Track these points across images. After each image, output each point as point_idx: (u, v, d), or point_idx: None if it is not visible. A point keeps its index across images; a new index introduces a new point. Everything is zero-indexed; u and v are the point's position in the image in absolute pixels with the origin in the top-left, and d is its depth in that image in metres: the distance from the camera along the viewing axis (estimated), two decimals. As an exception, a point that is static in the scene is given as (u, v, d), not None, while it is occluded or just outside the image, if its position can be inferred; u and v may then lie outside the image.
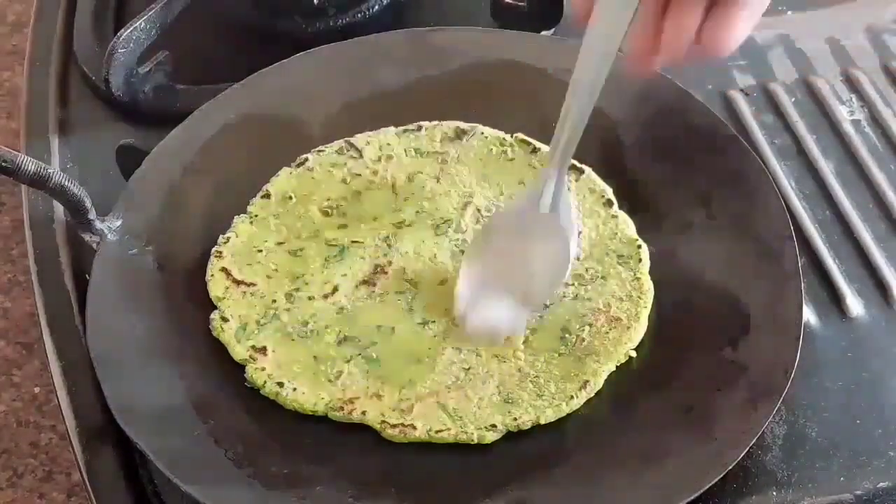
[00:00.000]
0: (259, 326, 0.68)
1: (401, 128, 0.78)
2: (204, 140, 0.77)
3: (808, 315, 0.70)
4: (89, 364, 0.65)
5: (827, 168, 0.79)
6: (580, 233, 0.72)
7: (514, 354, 0.67)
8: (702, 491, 0.60)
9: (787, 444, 0.65)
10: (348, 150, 0.77)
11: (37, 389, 0.89)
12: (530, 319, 0.68)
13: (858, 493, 0.63)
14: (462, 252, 0.71)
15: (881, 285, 0.72)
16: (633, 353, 0.67)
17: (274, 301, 0.70)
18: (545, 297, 0.69)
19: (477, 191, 0.75)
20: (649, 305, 0.69)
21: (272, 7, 0.89)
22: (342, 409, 0.65)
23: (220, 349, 0.68)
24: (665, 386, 0.65)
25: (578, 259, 0.70)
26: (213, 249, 0.72)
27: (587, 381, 0.65)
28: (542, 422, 0.64)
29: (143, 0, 0.83)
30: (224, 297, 0.70)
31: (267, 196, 0.75)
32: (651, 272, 0.70)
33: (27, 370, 0.91)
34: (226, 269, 0.71)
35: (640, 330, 0.68)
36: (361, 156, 0.76)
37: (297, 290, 0.70)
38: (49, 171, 0.66)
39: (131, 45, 0.81)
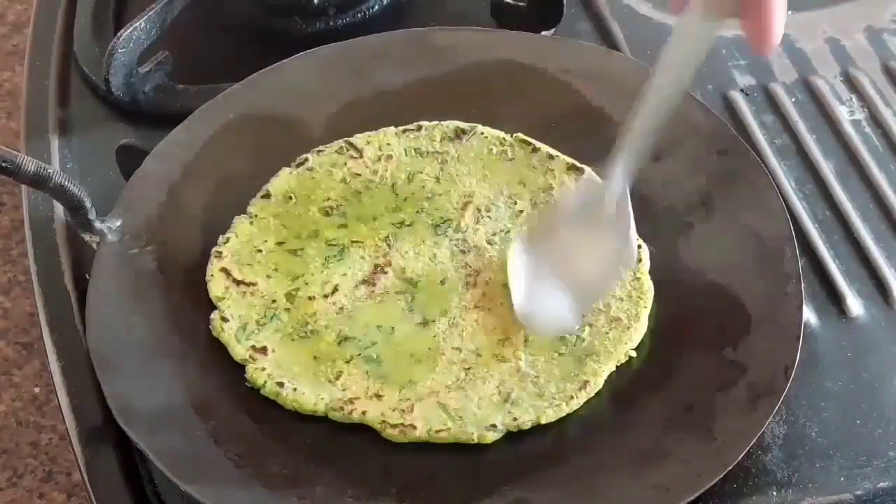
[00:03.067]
0: (259, 326, 0.68)
1: (401, 128, 0.78)
2: (204, 140, 0.77)
3: (808, 315, 0.70)
4: (89, 364, 0.65)
5: (827, 168, 0.79)
6: (640, 246, 0.70)
7: (514, 354, 0.67)
8: (702, 491, 0.60)
9: (787, 444, 0.65)
10: (348, 150, 0.77)
11: (37, 389, 0.89)
12: (586, 315, 0.67)
13: (858, 493, 0.63)
14: (462, 252, 0.71)
15: (881, 285, 0.72)
16: (633, 353, 0.67)
17: (274, 301, 0.70)
18: (600, 295, 0.68)
19: (477, 191, 0.75)
20: (649, 305, 0.69)
21: (272, 7, 0.89)
22: (342, 409, 0.65)
23: (220, 349, 0.68)
24: (665, 386, 0.65)
25: (635, 267, 0.69)
26: (213, 249, 0.72)
27: (587, 381, 0.65)
28: (543, 422, 0.64)
29: (143, 0, 0.83)
30: (224, 297, 0.70)
31: (267, 196, 0.75)
32: (651, 272, 0.70)
33: (27, 370, 0.91)
34: (226, 269, 0.71)
35: (640, 330, 0.68)
36: (361, 156, 0.76)
37: (297, 289, 0.70)
38: (49, 171, 0.66)
39: (131, 45, 0.81)
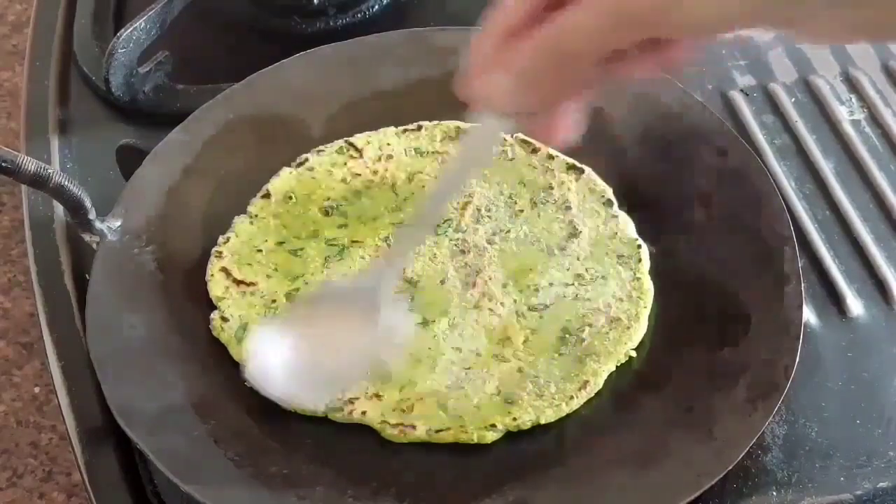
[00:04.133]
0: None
1: (401, 127, 0.78)
2: (204, 140, 0.77)
3: (808, 315, 0.70)
4: (89, 364, 0.65)
5: (827, 168, 0.79)
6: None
7: (514, 354, 0.67)
8: (702, 491, 0.60)
9: (787, 444, 0.65)
10: (348, 150, 0.77)
11: (37, 389, 0.89)
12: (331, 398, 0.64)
13: (858, 493, 0.63)
14: (462, 252, 0.71)
15: (881, 285, 0.72)
16: (633, 353, 0.67)
17: (274, 301, 0.70)
18: (347, 382, 0.65)
19: (477, 191, 0.75)
20: (649, 305, 0.69)
21: (272, 7, 0.89)
22: (342, 409, 0.65)
23: (220, 349, 0.68)
24: (665, 386, 0.65)
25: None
26: (213, 249, 0.72)
27: (587, 382, 0.65)
28: (542, 422, 0.64)
29: (143, 0, 0.83)
30: (224, 297, 0.70)
31: (267, 196, 0.75)
32: (651, 272, 0.70)
33: (27, 370, 0.91)
34: (226, 269, 0.71)
35: (640, 330, 0.68)
36: (361, 155, 0.76)
37: (297, 289, 0.70)
38: (49, 171, 0.66)
39: (131, 45, 0.81)
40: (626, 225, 0.72)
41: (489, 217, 0.73)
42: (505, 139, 0.77)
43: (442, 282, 0.70)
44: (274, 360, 0.64)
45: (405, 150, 0.77)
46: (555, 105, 0.53)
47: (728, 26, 0.47)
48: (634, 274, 0.70)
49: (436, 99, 0.78)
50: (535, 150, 0.76)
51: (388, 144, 0.77)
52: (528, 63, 0.50)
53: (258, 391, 0.64)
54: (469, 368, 0.66)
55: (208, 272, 0.71)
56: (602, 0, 0.47)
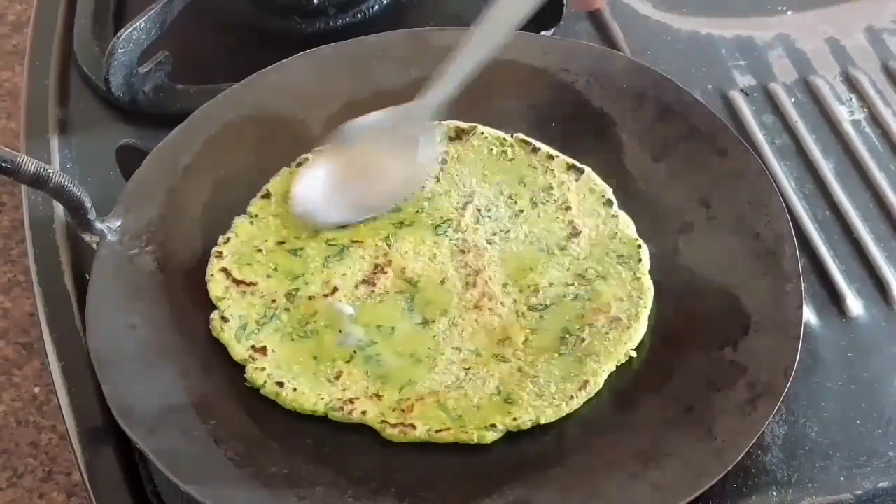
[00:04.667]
0: (259, 326, 0.68)
1: (401, 128, 0.78)
2: (204, 140, 0.77)
3: (808, 315, 0.70)
4: (89, 364, 0.65)
5: (827, 168, 0.79)
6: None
7: (514, 354, 0.67)
8: (702, 491, 0.60)
9: (787, 444, 0.65)
10: (348, 150, 0.77)
11: (37, 389, 0.89)
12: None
13: (858, 493, 0.63)
14: (462, 252, 0.71)
15: (881, 285, 0.72)
16: (634, 353, 0.67)
17: (274, 301, 0.70)
18: (385, 204, 0.72)
19: (477, 190, 0.75)
20: (649, 305, 0.68)
21: (272, 7, 0.89)
22: (342, 409, 0.65)
23: (220, 349, 0.68)
24: (665, 386, 0.65)
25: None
26: (213, 250, 0.72)
27: (587, 381, 0.65)
28: (542, 422, 0.64)
29: (143, 0, 0.83)
30: (224, 297, 0.70)
31: (267, 196, 0.75)
32: (651, 272, 0.70)
33: (27, 370, 0.91)
34: (226, 269, 0.71)
35: (640, 330, 0.68)
36: (361, 156, 0.76)
37: (297, 289, 0.70)
38: (49, 171, 0.66)
39: (131, 45, 0.81)
40: (626, 225, 0.72)
41: (489, 217, 0.73)
42: (505, 139, 0.77)
43: (442, 282, 0.70)
44: (316, 185, 0.72)
45: (405, 150, 0.77)
46: None
47: None
48: (634, 274, 0.70)
49: (436, 99, 0.78)
50: (534, 150, 0.76)
51: (388, 144, 0.77)
52: None
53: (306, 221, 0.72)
54: (469, 368, 0.66)
55: (208, 272, 0.71)
56: None
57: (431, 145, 0.73)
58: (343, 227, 0.73)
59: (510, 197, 0.74)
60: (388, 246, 0.72)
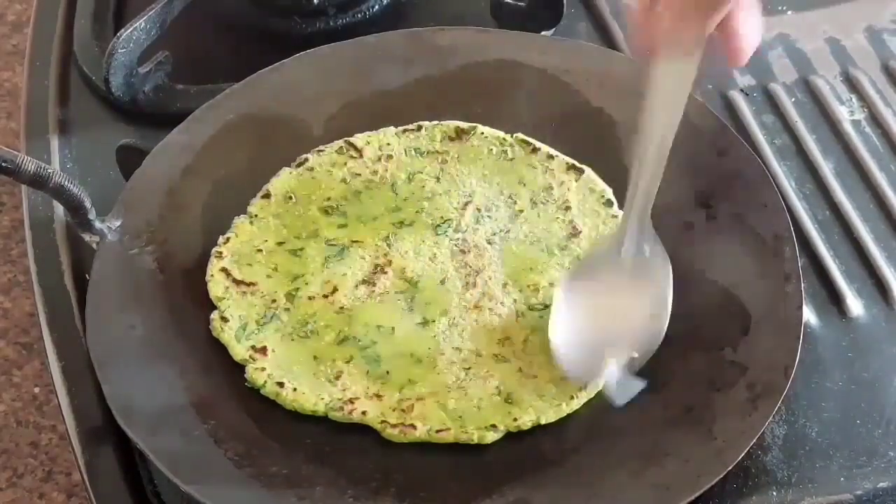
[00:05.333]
0: (259, 326, 0.68)
1: (401, 127, 0.78)
2: (204, 140, 0.77)
3: (808, 315, 0.70)
4: (89, 364, 0.65)
5: (827, 168, 0.79)
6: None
7: (514, 354, 0.67)
8: (702, 491, 0.60)
9: (787, 444, 0.65)
10: (348, 150, 0.77)
11: (37, 389, 0.89)
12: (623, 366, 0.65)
13: (858, 493, 0.63)
14: (462, 252, 0.71)
15: (881, 285, 0.72)
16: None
17: (274, 301, 0.70)
18: (650, 343, 0.65)
19: (477, 190, 0.75)
20: (649, 305, 0.68)
21: (272, 7, 0.89)
22: (342, 409, 0.65)
23: (220, 349, 0.68)
24: (665, 386, 0.65)
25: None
26: (213, 250, 0.72)
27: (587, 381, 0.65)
28: (543, 422, 0.64)
29: (143, 0, 0.83)
30: (224, 297, 0.70)
31: (267, 196, 0.75)
32: (651, 272, 0.70)
33: (27, 370, 0.91)
34: (226, 270, 0.71)
35: (640, 330, 0.67)
36: (361, 155, 0.76)
37: (297, 289, 0.70)
38: (49, 171, 0.66)
39: (131, 45, 0.81)
40: (626, 225, 0.72)
41: (489, 217, 0.73)
42: (505, 139, 0.77)
43: (442, 282, 0.70)
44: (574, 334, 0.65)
45: (405, 150, 0.77)
46: (711, 15, 0.56)
47: None
48: (634, 274, 0.70)
49: (436, 99, 0.79)
50: (534, 150, 0.76)
51: (388, 144, 0.77)
52: None
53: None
54: (469, 368, 0.66)
55: (208, 272, 0.71)
56: None
57: (656, 249, 0.66)
58: (343, 226, 0.73)
59: (510, 197, 0.74)
60: (388, 246, 0.72)
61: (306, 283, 0.70)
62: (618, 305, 0.66)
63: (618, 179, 0.75)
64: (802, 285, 0.67)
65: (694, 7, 0.56)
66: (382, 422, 0.64)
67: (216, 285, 0.70)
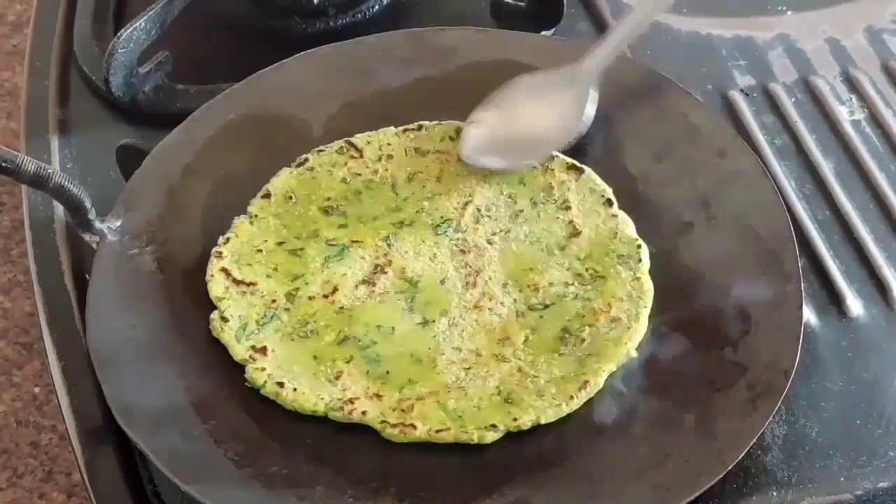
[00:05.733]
0: (259, 326, 0.68)
1: (401, 127, 0.78)
2: (204, 140, 0.77)
3: (808, 315, 0.70)
4: (89, 364, 0.65)
5: (827, 168, 0.79)
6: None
7: (514, 354, 0.67)
8: (702, 491, 0.60)
9: (787, 444, 0.65)
10: (348, 150, 0.77)
11: (37, 389, 0.89)
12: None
13: (858, 493, 0.63)
14: (462, 252, 0.71)
15: (881, 285, 0.72)
16: (634, 354, 0.67)
17: (274, 301, 0.70)
18: (549, 147, 0.75)
19: (477, 190, 0.75)
20: (649, 305, 0.68)
21: (272, 7, 0.89)
22: (342, 409, 0.65)
23: (220, 349, 0.68)
24: (665, 386, 0.65)
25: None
26: (213, 250, 0.72)
27: (587, 381, 0.65)
28: (543, 422, 0.64)
29: (144, 0, 0.83)
30: (224, 297, 0.70)
31: (267, 196, 0.75)
32: (651, 272, 0.70)
33: (27, 370, 0.91)
34: (226, 270, 0.71)
35: (640, 330, 0.67)
36: (362, 155, 0.76)
37: (297, 289, 0.70)
38: (49, 171, 0.66)
39: (131, 45, 0.81)
40: (626, 225, 0.72)
41: (489, 217, 0.73)
42: (505, 139, 0.77)
43: (442, 282, 0.70)
44: (484, 133, 0.76)
45: (405, 150, 0.77)
46: None
47: None
48: (634, 274, 0.70)
49: (436, 99, 0.79)
50: (535, 150, 0.76)
51: (389, 144, 0.77)
52: None
53: None
54: (469, 368, 0.66)
55: (208, 272, 0.71)
56: None
57: (591, 105, 0.76)
58: (343, 226, 0.73)
59: (510, 197, 0.74)
60: (388, 246, 0.72)
61: (306, 283, 0.70)
62: (534, 118, 0.76)
63: (618, 179, 0.75)
64: (802, 285, 0.67)
65: None
66: (382, 422, 0.64)
67: (216, 285, 0.70)
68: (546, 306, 0.69)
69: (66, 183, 0.67)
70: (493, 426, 0.64)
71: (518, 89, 0.76)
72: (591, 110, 0.76)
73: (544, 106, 0.76)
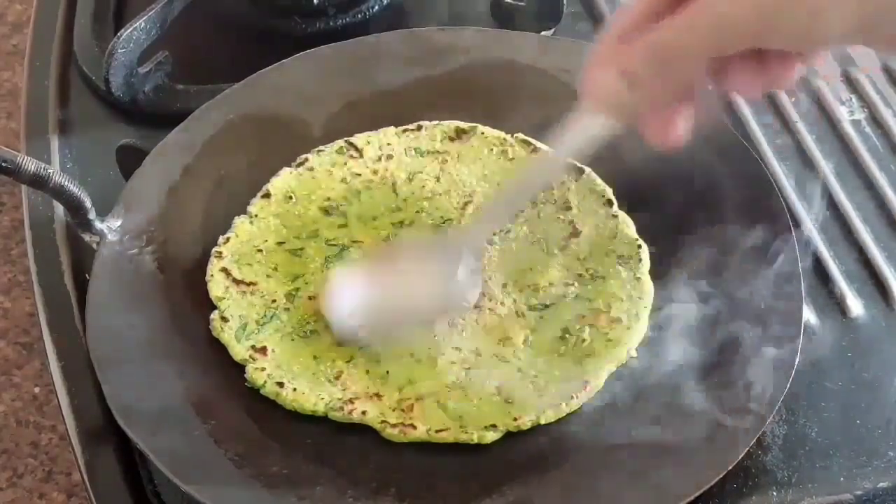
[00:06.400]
0: (259, 326, 0.68)
1: (401, 127, 0.78)
2: (204, 140, 0.77)
3: (808, 315, 0.70)
4: (89, 364, 0.65)
5: (827, 168, 0.79)
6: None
7: (514, 354, 0.67)
8: (702, 491, 0.60)
9: (787, 444, 0.65)
10: (348, 150, 0.77)
11: (37, 389, 0.89)
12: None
13: (858, 493, 0.63)
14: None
15: (881, 285, 0.72)
16: (634, 354, 0.67)
17: (274, 301, 0.70)
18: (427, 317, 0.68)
19: (477, 190, 0.75)
20: (649, 305, 0.68)
21: (272, 7, 0.89)
22: (342, 409, 0.65)
23: (220, 349, 0.68)
24: (665, 386, 0.65)
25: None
26: (213, 250, 0.72)
27: (587, 381, 0.65)
28: (543, 422, 0.64)
29: (144, 0, 0.83)
30: (224, 297, 0.70)
31: (267, 196, 0.75)
32: (651, 272, 0.70)
33: (27, 370, 0.91)
34: (226, 269, 0.71)
35: (640, 330, 0.67)
36: (361, 155, 0.76)
37: (297, 289, 0.70)
38: (49, 171, 0.66)
39: (131, 45, 0.81)
40: (626, 225, 0.72)
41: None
42: (505, 139, 0.77)
43: (442, 282, 0.70)
44: (350, 296, 0.67)
45: (405, 150, 0.77)
46: (659, 106, 0.56)
47: (835, 41, 0.49)
48: (634, 274, 0.70)
49: (436, 99, 0.79)
50: (535, 150, 0.76)
51: (389, 144, 0.77)
52: (636, 63, 0.53)
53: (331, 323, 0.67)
54: (469, 368, 0.66)
55: (208, 272, 0.71)
56: (708, 6, 0.50)
57: (475, 274, 0.69)
58: (343, 226, 0.73)
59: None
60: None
61: (306, 283, 0.70)
62: (412, 285, 0.68)
63: (618, 179, 0.75)
64: (802, 285, 0.67)
65: (671, 96, 0.55)
66: (382, 422, 0.64)
67: (216, 285, 0.70)
68: (546, 306, 0.69)
69: (66, 183, 0.67)
70: (493, 426, 0.64)
71: (393, 251, 0.71)
72: (475, 279, 0.69)
73: (421, 273, 0.68)
